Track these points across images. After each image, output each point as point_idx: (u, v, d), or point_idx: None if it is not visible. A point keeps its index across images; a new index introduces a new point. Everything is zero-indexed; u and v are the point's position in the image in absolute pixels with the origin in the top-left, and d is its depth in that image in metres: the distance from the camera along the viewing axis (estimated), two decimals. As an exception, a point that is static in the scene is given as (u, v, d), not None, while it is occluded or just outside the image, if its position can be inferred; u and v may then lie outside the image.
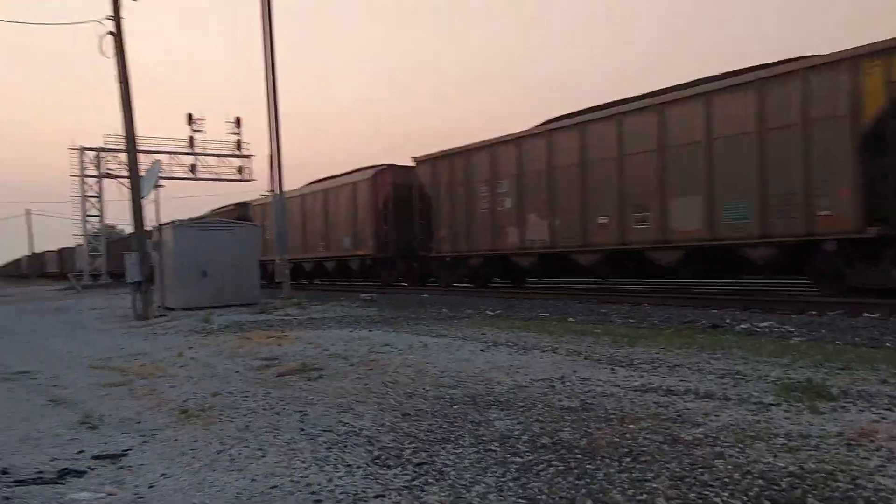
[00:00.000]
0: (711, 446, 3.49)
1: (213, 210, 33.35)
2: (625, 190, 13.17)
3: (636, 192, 12.97)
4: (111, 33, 14.68)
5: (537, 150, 15.20)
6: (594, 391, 4.88)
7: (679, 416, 4.12)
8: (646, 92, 13.65)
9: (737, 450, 3.41)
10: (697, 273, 13.35)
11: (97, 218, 41.83)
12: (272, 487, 3.28)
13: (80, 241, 43.92)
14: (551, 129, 14.97)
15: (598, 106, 14.46)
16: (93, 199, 40.99)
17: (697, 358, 6.05)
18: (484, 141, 16.81)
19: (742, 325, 8.54)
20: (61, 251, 62.08)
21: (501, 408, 4.55)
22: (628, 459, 3.36)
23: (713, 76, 12.51)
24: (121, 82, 14.80)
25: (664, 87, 13.38)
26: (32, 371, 7.50)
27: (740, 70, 11.88)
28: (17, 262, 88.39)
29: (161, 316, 13.94)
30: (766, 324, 8.53)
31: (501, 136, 16.30)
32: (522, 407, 4.53)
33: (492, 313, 11.16)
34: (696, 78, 12.85)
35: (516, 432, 3.95)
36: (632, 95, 13.97)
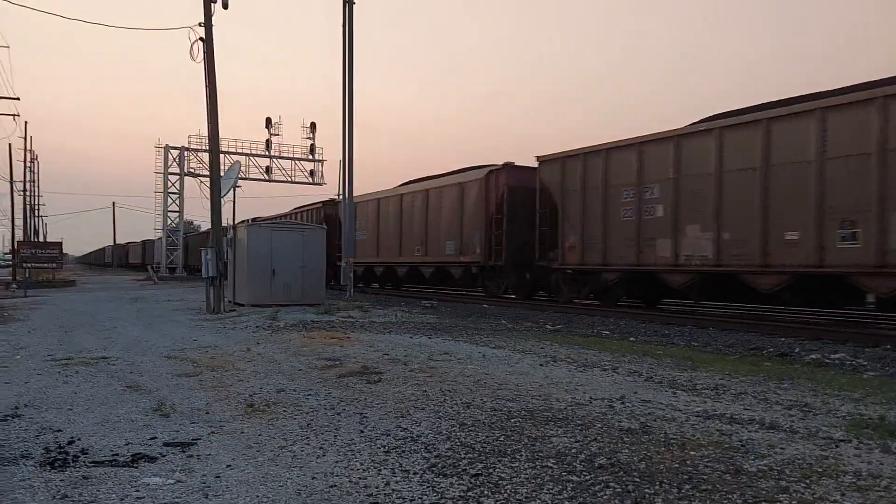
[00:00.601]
0: (776, 480, 3.39)
1: (296, 208, 32.42)
2: (825, 201, 10.84)
3: (842, 203, 10.63)
4: (201, 39, 15.45)
5: (703, 150, 12.90)
6: (654, 414, 4.80)
7: (742, 445, 4.01)
8: (851, 84, 11.39)
9: (803, 485, 3.30)
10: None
11: (176, 213, 43.94)
12: (331, 486, 3.38)
13: (160, 234, 46.22)
14: (723, 127, 12.62)
15: (781, 101, 12.35)
16: (173, 196, 43.07)
17: (763, 387, 5.87)
18: (629, 139, 14.68)
19: (812, 356, 8.22)
20: (144, 243, 65.48)
21: (559, 424, 4.53)
22: (688, 486, 3.30)
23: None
24: (208, 86, 15.55)
25: (877, 78, 10.81)
26: (111, 357, 7.95)
27: None
28: (102, 251, 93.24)
29: (231, 311, 14.49)
30: (837, 355, 8.21)
31: (653, 134, 14.12)
32: (581, 425, 4.50)
33: (551, 328, 11.09)
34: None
35: (573, 450, 3.93)
36: (827, 89, 11.59)
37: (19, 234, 43.15)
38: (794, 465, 3.63)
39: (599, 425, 4.49)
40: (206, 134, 16.07)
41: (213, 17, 15.31)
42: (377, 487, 3.35)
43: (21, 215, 44.85)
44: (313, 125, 41.85)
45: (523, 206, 17.63)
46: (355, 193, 22.92)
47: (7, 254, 33.16)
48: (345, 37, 17.33)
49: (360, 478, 3.51)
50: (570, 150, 16.36)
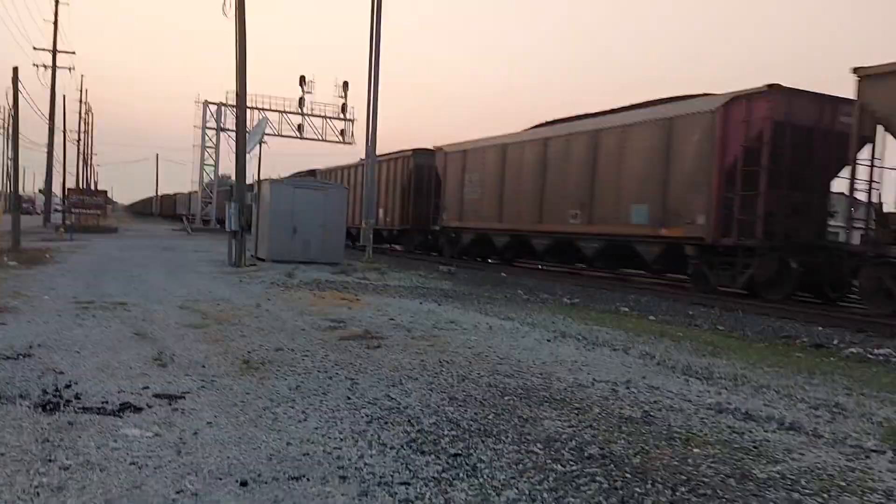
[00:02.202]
0: (788, 491, 3.04)
1: (383, 155, 25.26)
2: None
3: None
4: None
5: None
6: (661, 403, 4.53)
7: (755, 447, 3.66)
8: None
9: (818, 500, 2.95)
10: None
11: (212, 168, 44.41)
12: (304, 454, 3.26)
13: (196, 188, 46.85)
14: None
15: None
16: (210, 150, 43.50)
17: (790, 380, 5.44)
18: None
19: (852, 349, 7.54)
20: (191, 195, 66.36)
21: (555, 406, 4.32)
22: (684, 489, 3.01)
23: None
24: (238, 41, 15.36)
25: None
26: (129, 303, 8.01)
27: None
28: (149, 200, 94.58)
29: (252, 265, 14.55)
30: (882, 350, 7.48)
31: None
32: (578, 409, 4.28)
33: (568, 301, 10.80)
34: None
35: (564, 436, 3.72)
36: None
37: (71, 182, 44.42)
38: (811, 474, 3.26)
39: (598, 410, 4.26)
40: (236, 90, 15.90)
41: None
42: (349, 460, 3.21)
43: (75, 165, 46.16)
44: (346, 84, 41.51)
45: (795, 151, 11.90)
46: (450, 142, 21.20)
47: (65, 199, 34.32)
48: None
49: (335, 447, 3.37)
50: None
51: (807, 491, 3.05)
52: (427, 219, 22.94)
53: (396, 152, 24.96)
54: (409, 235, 24.59)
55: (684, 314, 10.28)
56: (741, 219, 11.89)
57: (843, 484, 3.15)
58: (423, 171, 23.01)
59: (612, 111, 15.97)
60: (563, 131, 16.71)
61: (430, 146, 23.52)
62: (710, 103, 12.88)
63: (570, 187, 15.89)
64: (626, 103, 16.20)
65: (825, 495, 3.01)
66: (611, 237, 14.93)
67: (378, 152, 19.60)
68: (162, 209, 79.20)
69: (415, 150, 23.62)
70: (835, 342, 8.06)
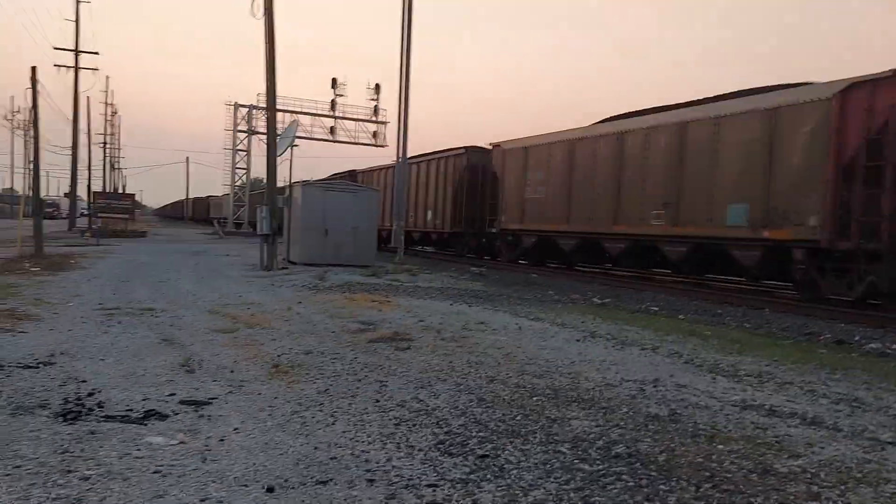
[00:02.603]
0: (808, 484, 3.09)
1: (426, 154, 24.37)
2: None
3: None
4: (261, -5, 15.41)
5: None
6: (687, 401, 4.50)
7: (777, 441, 3.69)
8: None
9: (836, 492, 3.00)
10: None
11: (244, 171, 45.04)
12: (332, 458, 3.29)
13: (227, 191, 47.59)
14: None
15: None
16: (241, 153, 44.13)
17: (813, 376, 5.43)
18: None
19: (872, 345, 7.57)
20: (224, 198, 67.05)
21: (583, 406, 4.31)
22: (708, 486, 3.03)
23: None
24: (267, 42, 15.57)
25: None
26: (157, 309, 8.14)
27: None
28: (180, 203, 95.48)
29: (283, 269, 14.73)
30: None
31: None
32: (605, 408, 4.27)
33: (599, 301, 10.74)
34: None
35: (592, 436, 3.71)
36: None
37: (98, 186, 45.40)
38: (830, 467, 3.31)
39: (625, 409, 4.24)
40: (265, 92, 16.14)
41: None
42: (377, 462, 3.25)
43: (101, 168, 47.24)
44: (377, 87, 41.74)
45: None
46: (500, 140, 19.56)
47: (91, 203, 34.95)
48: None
49: (363, 451, 3.41)
50: None
51: (825, 484, 3.10)
52: (481, 221, 20.82)
53: (446, 150, 23.04)
54: (461, 239, 22.53)
55: (712, 313, 10.17)
56: (863, 220, 10.41)
57: (859, 475, 3.21)
58: (476, 169, 21.18)
59: (698, 102, 14.38)
60: (641, 124, 15.03)
61: (482, 144, 21.56)
62: (823, 91, 11.40)
63: (651, 185, 14.35)
64: (715, 93, 14.56)
65: (842, 487, 3.06)
66: (701, 240, 13.25)
67: (410, 153, 19.06)
68: (195, 212, 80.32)
69: (467, 148, 21.76)
70: (856, 338, 7.99)
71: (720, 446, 3.58)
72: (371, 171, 30.57)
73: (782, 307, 11.00)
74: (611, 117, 16.86)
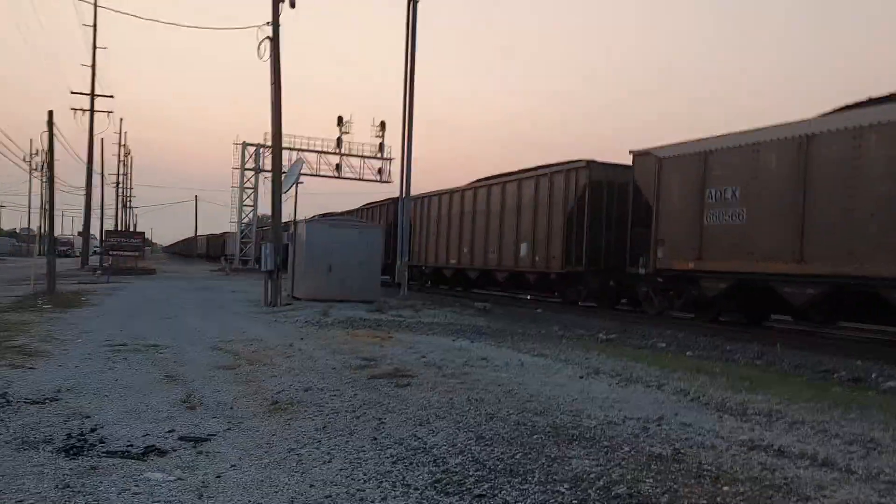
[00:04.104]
0: (816, 529, 2.99)
1: (526, 170, 19.35)
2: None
3: None
4: (269, 38, 15.81)
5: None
6: (692, 440, 4.41)
7: (786, 484, 3.58)
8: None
9: (847, 539, 2.89)
10: None
11: (251, 208, 45.50)
12: (326, 497, 3.25)
13: (234, 228, 48.03)
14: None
15: None
16: (249, 191, 44.66)
17: (825, 416, 5.27)
18: None
19: (891, 383, 7.38)
20: (234, 234, 67.15)
21: (584, 445, 4.23)
22: (710, 528, 2.95)
23: None
24: (273, 83, 15.90)
25: None
26: (161, 346, 8.14)
27: None
28: (193, 240, 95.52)
29: (287, 304, 14.73)
30: None
31: None
32: (607, 447, 4.18)
33: (604, 337, 10.62)
34: None
35: (592, 475, 3.63)
36: None
37: (110, 225, 45.96)
38: None
39: (627, 448, 4.16)
40: (271, 131, 16.41)
41: (282, 17, 15.62)
42: (372, 502, 3.20)
43: (114, 207, 47.88)
44: (383, 124, 42.34)
45: None
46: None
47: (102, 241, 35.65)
48: (407, 35, 17.36)
49: (358, 489, 3.36)
50: None
51: (840, 531, 2.94)
52: (611, 257, 15.99)
53: (550, 165, 17.98)
54: (579, 281, 17.02)
55: (722, 350, 10.00)
56: None
57: (877, 522, 3.03)
58: (601, 189, 16.21)
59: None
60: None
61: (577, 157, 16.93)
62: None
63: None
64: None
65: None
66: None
67: (415, 191, 18.99)
68: (209, 249, 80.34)
69: (589, 162, 16.53)
70: (873, 376, 7.81)
71: (725, 488, 3.48)
72: (378, 204, 30.29)
73: (795, 343, 10.74)
74: (845, 105, 11.15)
